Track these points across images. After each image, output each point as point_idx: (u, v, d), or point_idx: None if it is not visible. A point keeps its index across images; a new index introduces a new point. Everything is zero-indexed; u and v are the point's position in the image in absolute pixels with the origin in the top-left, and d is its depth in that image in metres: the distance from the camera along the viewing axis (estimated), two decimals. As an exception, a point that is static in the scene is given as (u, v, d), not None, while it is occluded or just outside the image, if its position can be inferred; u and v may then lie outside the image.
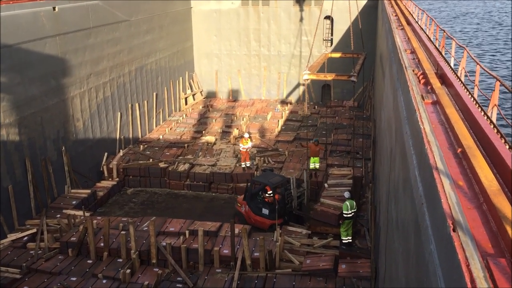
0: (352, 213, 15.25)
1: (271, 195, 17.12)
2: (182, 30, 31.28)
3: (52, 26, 18.81)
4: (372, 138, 22.11)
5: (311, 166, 20.48)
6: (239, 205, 18.00)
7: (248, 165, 21.36)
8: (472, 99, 6.55)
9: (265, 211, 17.08)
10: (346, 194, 15.62)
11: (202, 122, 28.57)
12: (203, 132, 26.81)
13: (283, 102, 32.24)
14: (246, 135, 22.25)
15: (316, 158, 20.54)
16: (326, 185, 18.57)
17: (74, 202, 18.54)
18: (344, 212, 15.16)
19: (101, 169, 22.01)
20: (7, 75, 16.64)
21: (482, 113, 5.83)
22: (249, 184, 17.84)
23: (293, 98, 32.72)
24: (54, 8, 18.92)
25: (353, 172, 19.89)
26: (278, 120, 27.86)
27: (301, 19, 31.24)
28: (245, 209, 17.65)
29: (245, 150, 21.36)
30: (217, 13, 32.33)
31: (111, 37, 22.87)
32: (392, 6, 19.89)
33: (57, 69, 19.27)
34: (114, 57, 23.14)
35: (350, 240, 15.37)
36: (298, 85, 32.50)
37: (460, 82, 7.35)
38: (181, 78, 31.21)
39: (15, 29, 16.97)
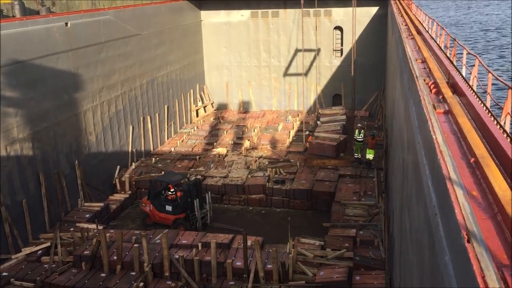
0: (362, 139, 22.39)
1: (173, 192, 18.67)
2: (192, 42, 31.54)
3: (65, 42, 19.08)
4: (384, 148, 22.00)
5: (367, 156, 22.48)
6: (143, 205, 19.08)
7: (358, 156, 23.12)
8: (485, 108, 6.50)
9: (168, 207, 18.45)
10: (359, 125, 22.96)
11: (213, 134, 28.66)
12: (215, 144, 26.88)
13: (294, 113, 32.21)
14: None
15: (372, 150, 22.40)
16: (319, 122, 18.24)
17: (87, 216, 18.66)
18: (355, 136, 22.34)
19: (114, 182, 22.14)
20: (20, 90, 16.88)
21: (495, 122, 5.78)
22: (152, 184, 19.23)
23: (303, 108, 32.69)
24: (66, 24, 19.20)
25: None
26: (289, 131, 27.85)
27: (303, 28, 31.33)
28: (149, 208, 18.75)
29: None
30: (227, 26, 32.56)
31: (123, 51, 23.13)
32: (402, 16, 19.86)
33: (70, 84, 19.50)
34: (125, 71, 23.38)
35: (359, 156, 22.36)
36: (308, 96, 32.49)
37: (472, 91, 7.31)
38: (192, 91, 31.40)
39: (28, 45, 17.25)
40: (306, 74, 32.02)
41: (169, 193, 18.76)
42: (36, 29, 17.71)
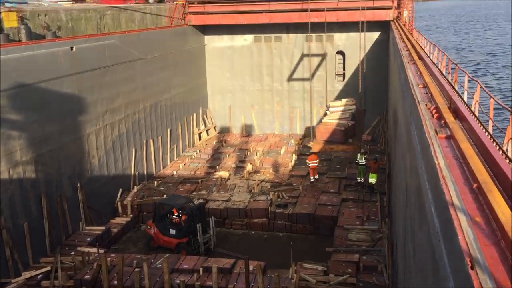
0: (364, 162, 22.64)
1: (178, 216, 18.57)
2: (196, 66, 31.81)
3: (70, 65, 19.26)
4: (387, 172, 21.96)
5: (369, 181, 22.22)
6: (148, 228, 19.06)
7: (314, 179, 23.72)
8: (487, 133, 6.51)
9: (172, 231, 18.40)
10: (362, 150, 23.37)
11: (215, 158, 28.66)
12: (217, 167, 26.85)
13: (297, 137, 32.25)
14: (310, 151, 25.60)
15: (374, 174, 22.11)
16: (328, 112, 18.39)
17: (88, 239, 18.55)
18: (357, 160, 22.86)
19: (116, 206, 22.07)
20: (25, 113, 16.99)
21: (497, 147, 5.78)
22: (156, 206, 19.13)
23: (306, 132, 32.74)
24: (71, 48, 19.42)
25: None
26: (292, 155, 27.84)
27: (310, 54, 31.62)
28: (154, 231, 18.70)
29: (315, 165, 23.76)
30: (230, 50, 32.87)
31: (127, 74, 23.31)
32: (403, 41, 20.03)
33: (74, 107, 19.62)
34: (129, 94, 23.52)
35: (362, 180, 22.59)
36: (311, 120, 32.56)
37: (473, 116, 7.33)
38: (195, 114, 31.53)
39: (34, 68, 17.42)
40: (308, 98, 32.15)
41: (173, 217, 18.67)
42: (41, 53, 17.91)
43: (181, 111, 29.52)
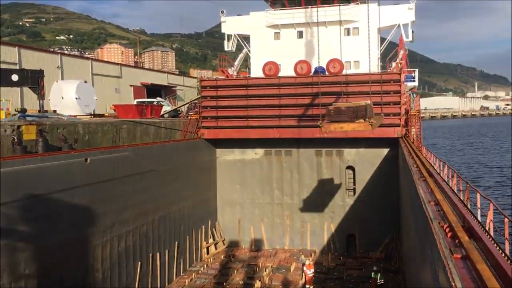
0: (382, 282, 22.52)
1: None
2: (206, 179, 32.08)
3: (83, 177, 19.49)
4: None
5: None
6: None
7: None
8: (503, 254, 6.27)
9: None
10: (375, 267, 23.68)
11: (223, 273, 27.74)
12: (224, 283, 25.87)
13: (307, 252, 31.43)
14: (308, 262, 25.52)
15: None
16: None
17: None
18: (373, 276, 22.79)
19: (117, 324, 20.99)
20: (33, 224, 16.86)
21: (516, 270, 5.51)
22: None
23: (317, 248, 31.99)
24: (86, 160, 19.81)
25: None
26: (302, 272, 26.88)
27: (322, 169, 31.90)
28: None
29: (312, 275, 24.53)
30: (241, 163, 33.35)
31: (138, 186, 23.45)
32: (412, 157, 20.25)
33: (83, 218, 19.51)
34: (139, 206, 23.46)
35: None
36: (322, 235, 31.98)
37: (488, 236, 7.11)
38: (203, 227, 31.14)
39: (47, 179, 17.64)
40: (319, 212, 31.89)
41: None
42: (55, 164, 18.24)
43: (189, 224, 29.20)
